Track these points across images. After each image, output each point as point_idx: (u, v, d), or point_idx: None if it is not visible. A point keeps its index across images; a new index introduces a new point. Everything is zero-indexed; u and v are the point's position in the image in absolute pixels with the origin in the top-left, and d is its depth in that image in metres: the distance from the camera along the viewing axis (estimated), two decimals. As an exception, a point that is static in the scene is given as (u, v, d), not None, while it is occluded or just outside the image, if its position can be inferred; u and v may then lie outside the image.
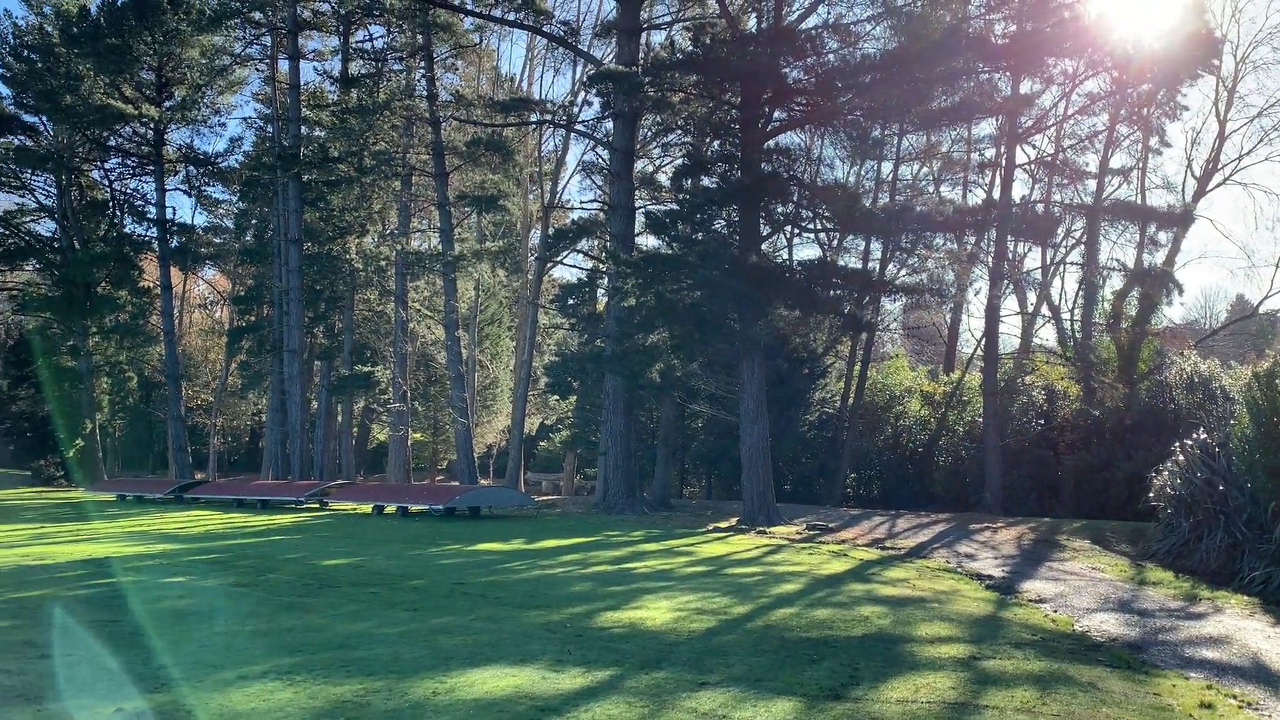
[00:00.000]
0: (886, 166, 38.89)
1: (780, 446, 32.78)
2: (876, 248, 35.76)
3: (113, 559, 17.17)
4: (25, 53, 46.40)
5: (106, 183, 50.68)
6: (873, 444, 37.32)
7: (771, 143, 26.83)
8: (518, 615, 11.53)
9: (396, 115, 35.48)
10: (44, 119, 47.64)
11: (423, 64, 36.48)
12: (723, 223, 27.85)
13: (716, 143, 28.37)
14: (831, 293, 26.28)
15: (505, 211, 39.70)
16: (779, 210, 27.74)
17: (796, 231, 34.62)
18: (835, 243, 37.30)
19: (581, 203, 52.15)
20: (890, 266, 34.79)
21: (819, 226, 31.10)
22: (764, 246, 29.58)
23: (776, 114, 27.29)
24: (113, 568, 15.93)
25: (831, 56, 25.68)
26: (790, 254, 37.96)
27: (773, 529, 23.60)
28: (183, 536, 21.80)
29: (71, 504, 34.22)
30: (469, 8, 33.16)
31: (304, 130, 41.30)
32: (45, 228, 51.18)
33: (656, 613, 11.82)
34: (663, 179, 34.13)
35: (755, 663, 9.27)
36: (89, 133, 46.58)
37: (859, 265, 35.83)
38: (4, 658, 9.10)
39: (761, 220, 27.20)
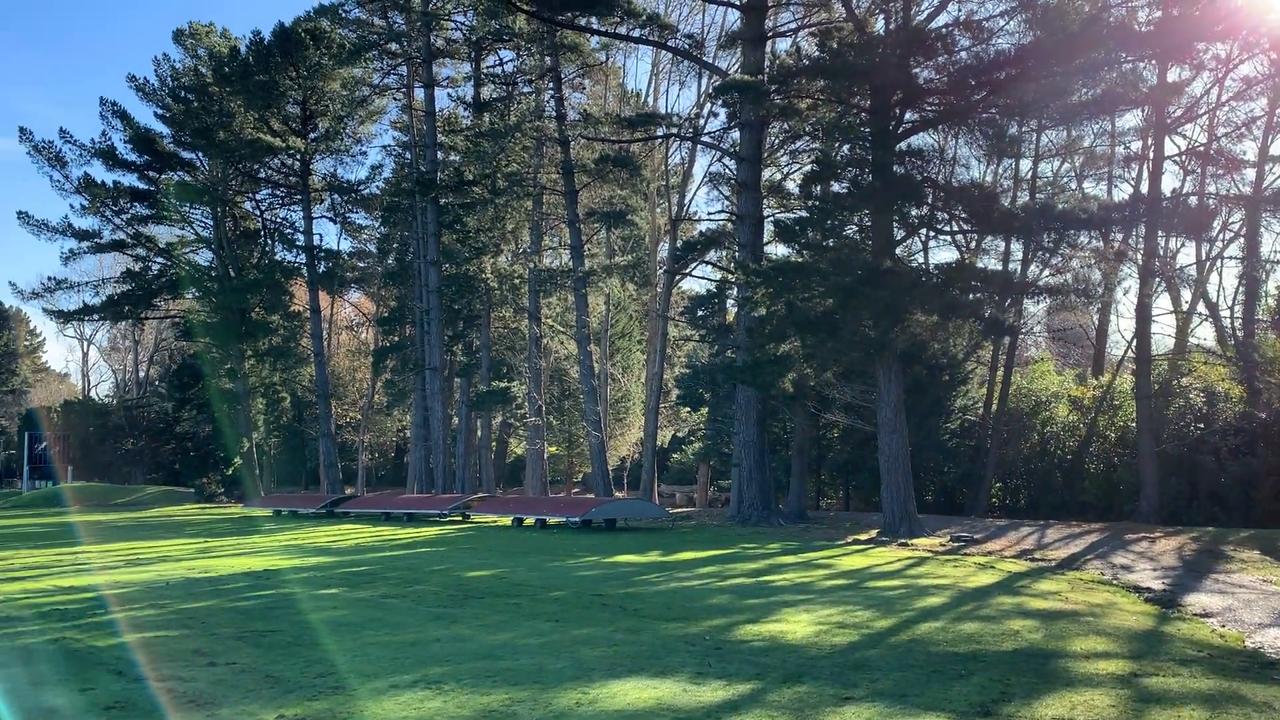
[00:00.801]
0: (1025, 164, 37.57)
1: (920, 456, 31.98)
2: (1017, 248, 34.57)
3: (271, 571, 18.01)
4: (182, 93, 49.47)
5: (258, 213, 53.51)
6: (1018, 451, 36.00)
7: (903, 144, 26.25)
8: (657, 627, 11.56)
9: (527, 136, 36.31)
10: (200, 155, 50.65)
11: (551, 85, 37.24)
12: (854, 228, 27.42)
13: (846, 147, 27.96)
14: (971, 296, 25.49)
15: (633, 226, 40.11)
16: (913, 213, 27.10)
17: (932, 234, 33.72)
18: (973, 244, 36.23)
19: (709, 214, 52.09)
20: (1032, 267, 33.56)
21: (955, 228, 30.21)
22: (898, 251, 28.98)
23: (907, 115, 26.72)
24: (272, 580, 16.70)
25: (964, 54, 24.98)
26: (926, 257, 37.11)
27: (914, 541, 23.02)
28: (335, 550, 22.71)
29: (232, 519, 36.09)
30: (595, 27, 33.67)
31: (440, 155, 42.68)
32: (203, 257, 54.38)
33: (797, 626, 11.66)
34: (791, 186, 33.88)
35: (901, 677, 9.04)
36: (241, 166, 49.28)
37: (999, 267, 34.69)
38: (176, 665, 9.65)
39: (895, 224, 26.65)
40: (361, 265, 56.73)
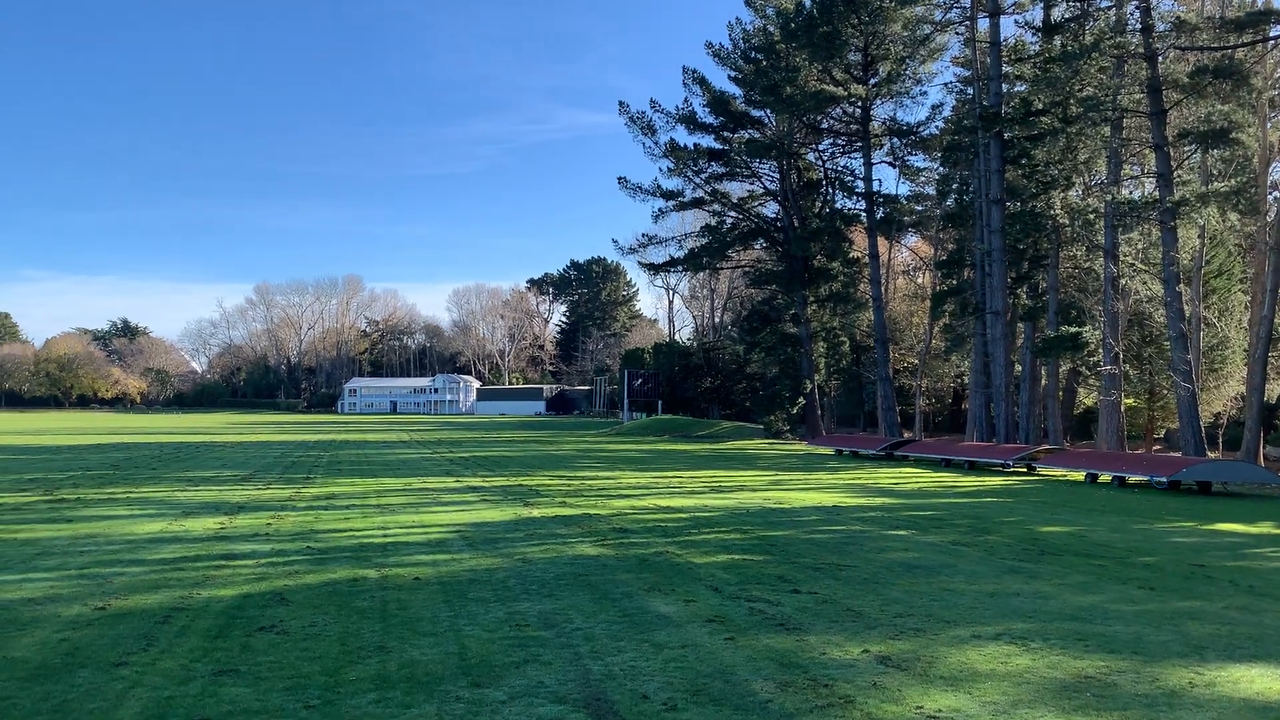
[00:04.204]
0: None
1: None
2: None
3: (840, 508, 18.60)
4: (752, 54, 52.46)
5: (820, 163, 55.29)
6: None
7: None
8: (1282, 609, 9.88)
9: (1105, 56, 32.93)
10: (767, 111, 53.47)
11: (1135, -6, 33.28)
12: None
13: None
14: None
15: (1238, 145, 34.56)
16: None
17: None
18: None
19: (1339, 125, 43.36)
20: None
21: None
22: None
23: None
24: (841, 516, 17.22)
25: None
26: None
27: None
28: (897, 492, 22.85)
29: (797, 455, 38.10)
30: (1192, -81, 29.32)
31: (1004, 87, 40.48)
32: (770, 210, 57.69)
33: None
34: None
35: None
36: (805, 118, 51.09)
37: None
38: (763, 588, 10.27)
39: None
40: (919, 209, 56.11)
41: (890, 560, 12.32)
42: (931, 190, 56.01)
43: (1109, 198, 35.54)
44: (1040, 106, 37.01)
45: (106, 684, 6.63)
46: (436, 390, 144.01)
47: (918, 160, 54.08)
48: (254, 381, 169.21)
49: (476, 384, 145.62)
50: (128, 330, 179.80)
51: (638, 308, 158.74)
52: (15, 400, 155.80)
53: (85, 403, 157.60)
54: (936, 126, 50.43)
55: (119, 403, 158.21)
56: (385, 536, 13.98)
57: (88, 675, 6.84)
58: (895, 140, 51.97)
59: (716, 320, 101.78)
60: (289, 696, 6.40)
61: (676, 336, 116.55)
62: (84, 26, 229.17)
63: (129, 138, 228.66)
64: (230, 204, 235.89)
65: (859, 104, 49.64)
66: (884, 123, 51.83)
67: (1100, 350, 37.90)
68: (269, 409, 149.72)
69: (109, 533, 14.07)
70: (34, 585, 10.13)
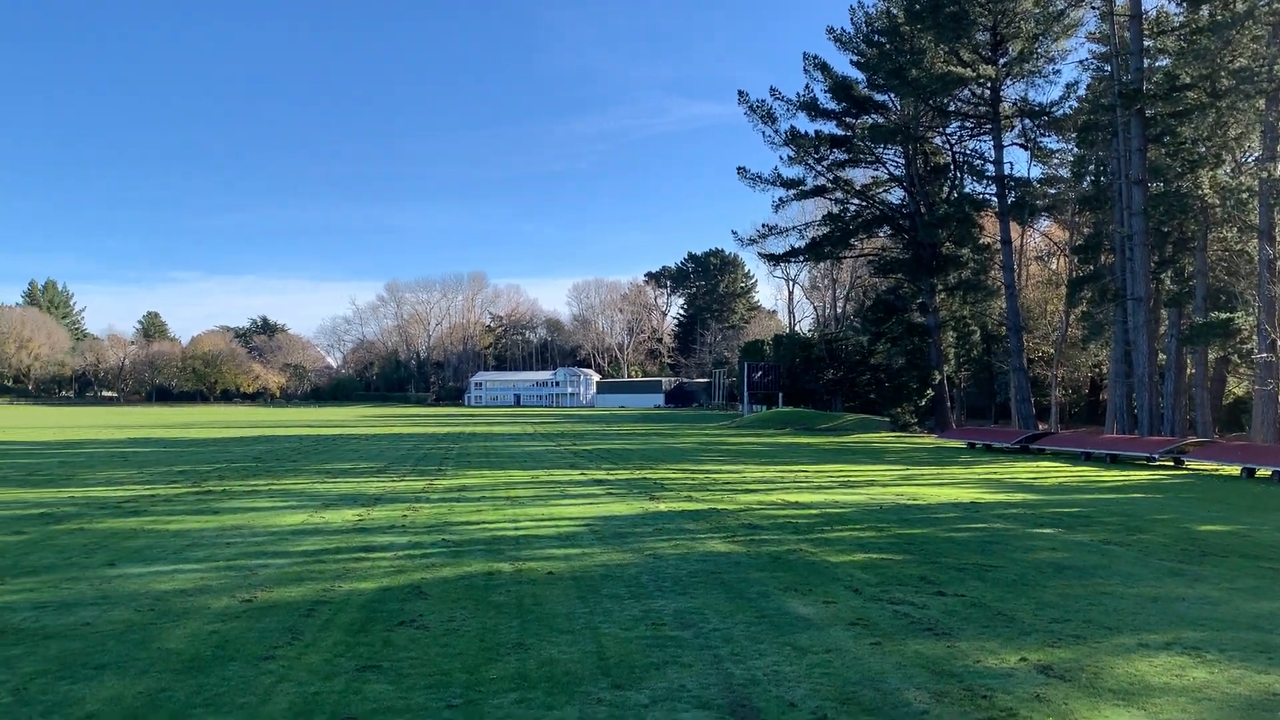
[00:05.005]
0: None
1: None
2: None
3: (978, 504, 17.88)
4: (875, 37, 51.24)
5: (947, 147, 53.65)
6: None
7: None
8: None
9: (1260, 24, 30.93)
10: (892, 95, 52.15)
11: (1294, -44, 31.14)
12: None
13: None
14: None
15: None
16: None
17: None
18: None
19: None
20: None
21: None
22: None
23: None
24: (981, 513, 16.54)
25: None
26: None
27: None
28: (1037, 487, 21.90)
29: (927, 449, 37.03)
30: None
31: (1144, 62, 38.45)
32: (894, 196, 56.29)
33: None
34: None
35: None
36: (931, 101, 49.62)
37: None
38: (906, 589, 9.86)
39: None
40: (1052, 192, 53.89)
41: (1038, 560, 11.71)
42: (1066, 173, 53.70)
43: (1264, 175, 33.43)
44: (1186, 80, 35.03)
45: (255, 678, 6.74)
46: (558, 383, 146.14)
47: (1051, 141, 51.89)
48: (385, 375, 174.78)
49: (596, 377, 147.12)
50: (267, 327, 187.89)
51: (756, 299, 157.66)
52: (165, 395, 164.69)
53: (228, 397, 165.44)
54: (1071, 106, 48.30)
55: (259, 397, 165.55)
56: (517, 529, 14.04)
57: (237, 668, 6.97)
58: (1027, 121, 50.00)
59: (838, 310, 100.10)
60: (431, 695, 6.37)
61: (797, 328, 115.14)
62: (222, 32, 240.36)
63: (268, 142, 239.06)
64: (362, 205, 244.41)
65: (988, 85, 47.95)
66: (1015, 103, 49.93)
67: (1255, 337, 35.70)
68: (399, 402, 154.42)
69: (253, 524, 14.53)
70: (185, 576, 10.48)
